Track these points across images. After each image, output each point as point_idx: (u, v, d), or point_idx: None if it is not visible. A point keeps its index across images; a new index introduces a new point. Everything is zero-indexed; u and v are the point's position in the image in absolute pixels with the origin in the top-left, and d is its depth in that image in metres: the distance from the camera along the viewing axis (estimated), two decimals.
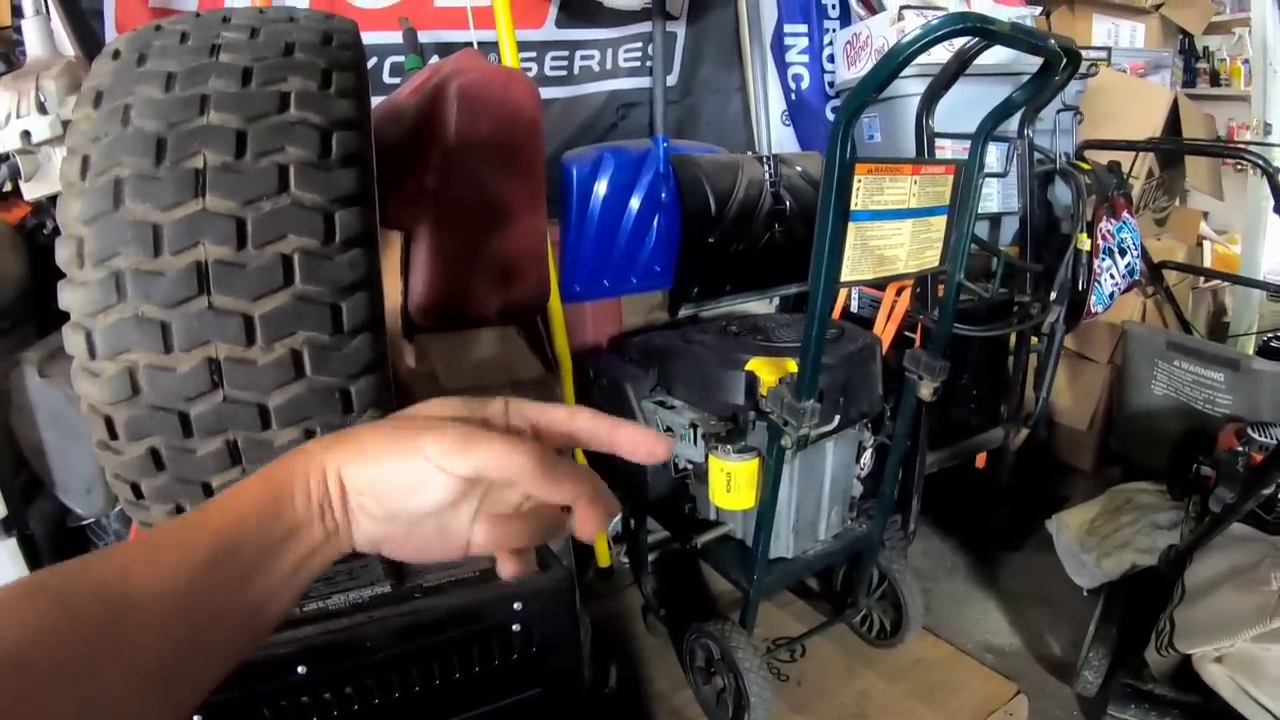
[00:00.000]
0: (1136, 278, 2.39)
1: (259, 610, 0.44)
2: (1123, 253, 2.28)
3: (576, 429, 0.51)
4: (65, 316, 0.82)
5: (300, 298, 0.82)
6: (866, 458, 1.82)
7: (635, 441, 0.50)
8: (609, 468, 1.92)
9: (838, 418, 1.56)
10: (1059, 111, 2.34)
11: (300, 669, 0.99)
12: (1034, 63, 1.35)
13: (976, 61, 1.67)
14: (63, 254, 0.81)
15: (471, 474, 0.45)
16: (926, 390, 1.63)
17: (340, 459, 0.46)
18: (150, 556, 0.41)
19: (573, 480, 0.47)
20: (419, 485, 0.46)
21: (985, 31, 1.20)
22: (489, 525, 0.49)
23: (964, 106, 1.80)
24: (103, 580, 0.39)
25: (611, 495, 0.49)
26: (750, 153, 2.48)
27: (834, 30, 2.77)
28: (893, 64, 1.16)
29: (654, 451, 0.50)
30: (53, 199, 1.43)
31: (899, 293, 2.19)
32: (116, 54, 0.90)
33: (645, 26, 2.42)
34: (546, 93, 2.20)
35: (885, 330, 2.19)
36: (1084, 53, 1.87)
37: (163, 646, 0.39)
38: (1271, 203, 2.31)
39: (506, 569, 0.52)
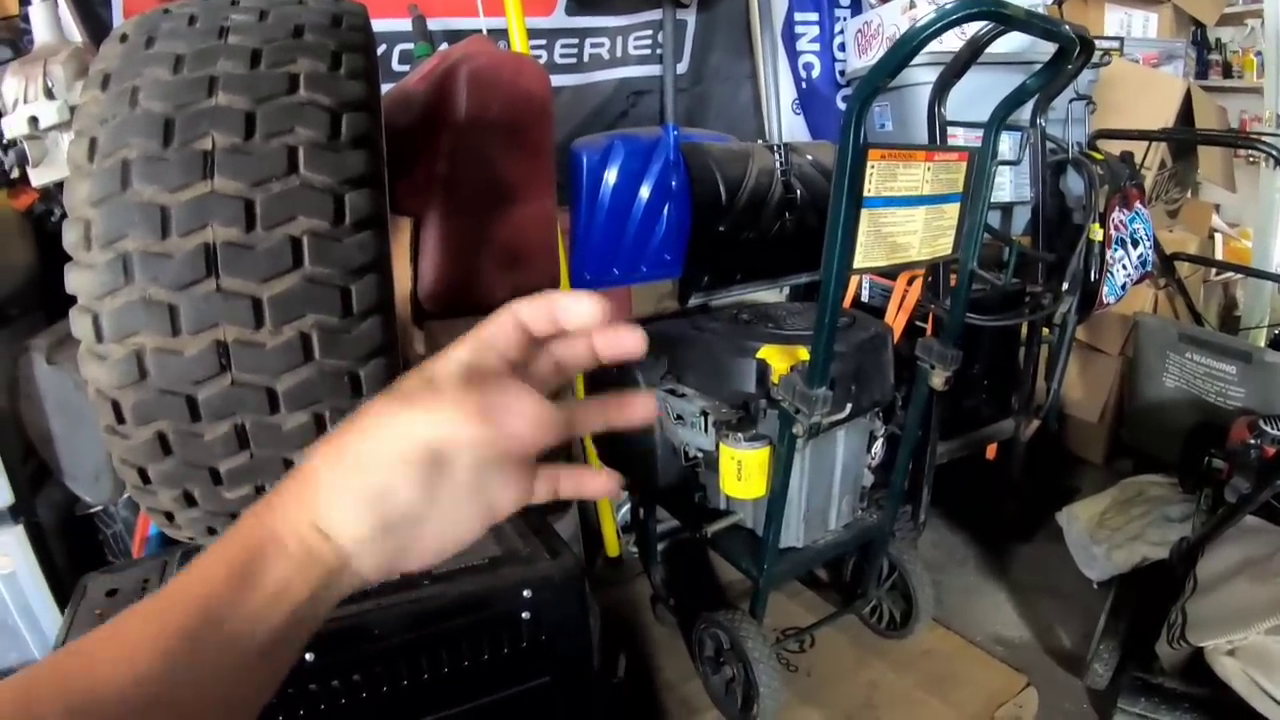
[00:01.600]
0: (1149, 269, 2.37)
1: (252, 674, 0.40)
2: (1135, 243, 2.26)
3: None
4: (73, 303, 0.82)
5: (309, 280, 0.81)
6: (877, 447, 1.81)
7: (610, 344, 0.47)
8: (617, 455, 1.92)
9: (849, 406, 1.55)
10: (1071, 101, 2.32)
11: (308, 656, 0.99)
12: (1046, 51, 1.34)
13: (989, 50, 1.65)
14: (70, 236, 0.81)
15: (488, 436, 0.42)
16: (938, 380, 1.61)
17: (320, 504, 0.41)
18: (115, 639, 0.38)
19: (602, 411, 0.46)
20: (419, 469, 0.41)
21: (999, 16, 1.19)
22: (518, 478, 0.45)
23: (976, 95, 1.78)
24: (66, 676, 0.37)
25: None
26: (761, 141, 2.47)
27: (845, 19, 2.75)
28: (908, 47, 1.15)
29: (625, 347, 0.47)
30: (60, 185, 1.43)
31: (910, 282, 2.18)
32: (124, 37, 0.90)
33: (655, 14, 2.40)
34: (556, 80, 2.19)
35: (896, 320, 2.18)
36: (1097, 41, 1.85)
37: None
38: None
39: (598, 485, 0.49)
